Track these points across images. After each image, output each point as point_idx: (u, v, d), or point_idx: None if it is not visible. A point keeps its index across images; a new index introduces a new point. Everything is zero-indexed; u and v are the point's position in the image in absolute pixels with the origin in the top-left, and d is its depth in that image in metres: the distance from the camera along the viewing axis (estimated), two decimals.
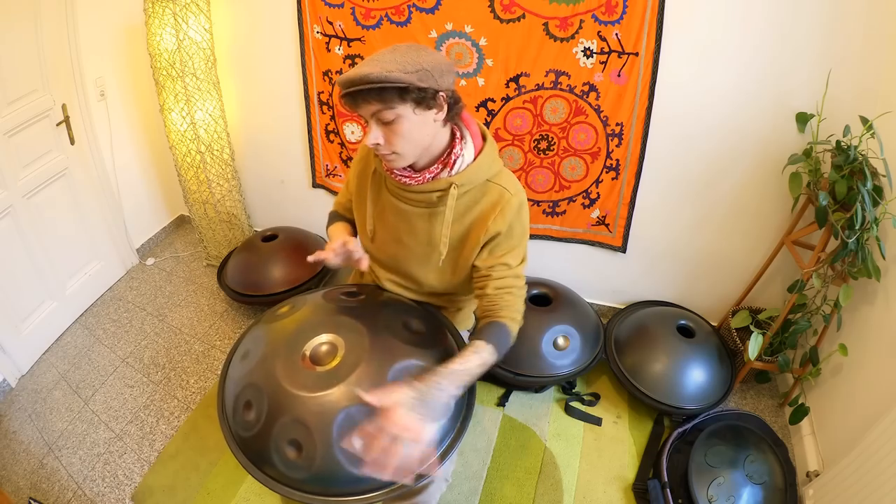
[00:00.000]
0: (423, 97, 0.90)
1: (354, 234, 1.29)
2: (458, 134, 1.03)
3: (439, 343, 1.09)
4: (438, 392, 0.86)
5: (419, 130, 0.95)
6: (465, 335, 1.36)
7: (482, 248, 1.06)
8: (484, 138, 1.06)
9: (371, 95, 0.88)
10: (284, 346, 1.01)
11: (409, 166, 1.04)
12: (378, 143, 0.95)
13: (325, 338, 1.02)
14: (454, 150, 1.01)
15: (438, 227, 1.06)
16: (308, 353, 0.99)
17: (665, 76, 1.73)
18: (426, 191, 1.03)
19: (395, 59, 0.88)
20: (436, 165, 1.02)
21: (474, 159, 1.03)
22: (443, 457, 0.94)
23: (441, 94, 0.93)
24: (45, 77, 2.03)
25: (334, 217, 1.33)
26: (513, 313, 1.04)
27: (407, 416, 0.80)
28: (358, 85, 0.87)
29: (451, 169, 1.01)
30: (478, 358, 0.95)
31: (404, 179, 1.03)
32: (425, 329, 1.11)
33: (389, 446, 0.79)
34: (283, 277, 2.25)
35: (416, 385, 0.85)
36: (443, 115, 0.96)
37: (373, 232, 1.18)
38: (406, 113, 0.91)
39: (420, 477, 0.85)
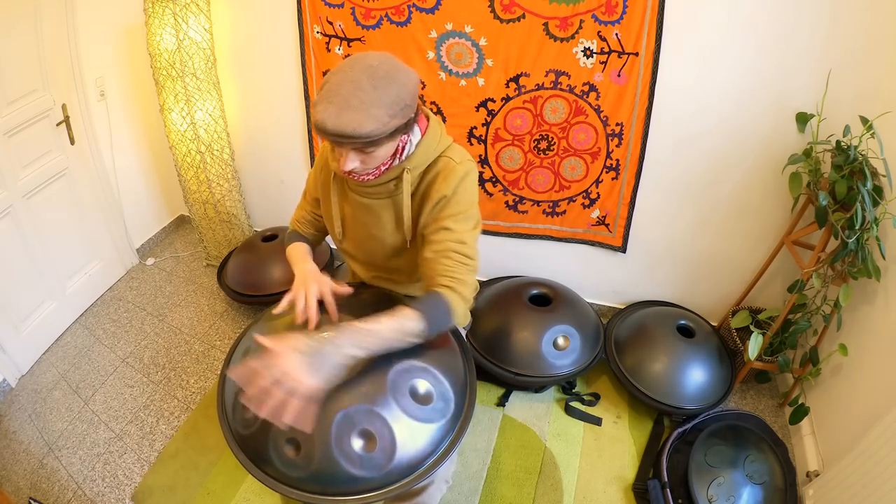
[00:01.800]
0: (404, 129, 0.95)
1: (313, 253, 1.31)
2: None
3: (439, 343, 1.09)
4: (332, 347, 0.85)
5: (391, 149, 0.99)
6: (462, 333, 1.36)
7: (428, 214, 1.06)
8: (427, 118, 1.08)
9: (359, 143, 0.90)
10: None
11: None
12: (354, 169, 0.98)
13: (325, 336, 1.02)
14: (400, 140, 1.03)
15: (400, 210, 1.10)
16: None
17: (665, 76, 1.73)
18: (383, 182, 1.06)
19: (381, 99, 0.87)
20: (386, 159, 1.04)
21: (420, 141, 1.05)
22: (443, 457, 0.94)
23: (413, 116, 0.96)
24: (44, 77, 2.03)
25: (293, 237, 1.32)
26: (451, 281, 0.98)
27: (292, 363, 0.81)
28: (349, 139, 0.88)
29: (401, 156, 1.03)
30: (394, 323, 0.91)
31: (363, 178, 1.04)
32: None
33: (269, 387, 0.80)
34: (283, 277, 2.25)
35: (313, 335, 0.85)
36: (408, 131, 0.99)
37: (342, 234, 1.21)
38: (386, 144, 0.95)
39: (293, 431, 0.84)
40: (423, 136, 1.05)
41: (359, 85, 0.87)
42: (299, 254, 1.24)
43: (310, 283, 1.08)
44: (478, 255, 1.05)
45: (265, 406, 0.80)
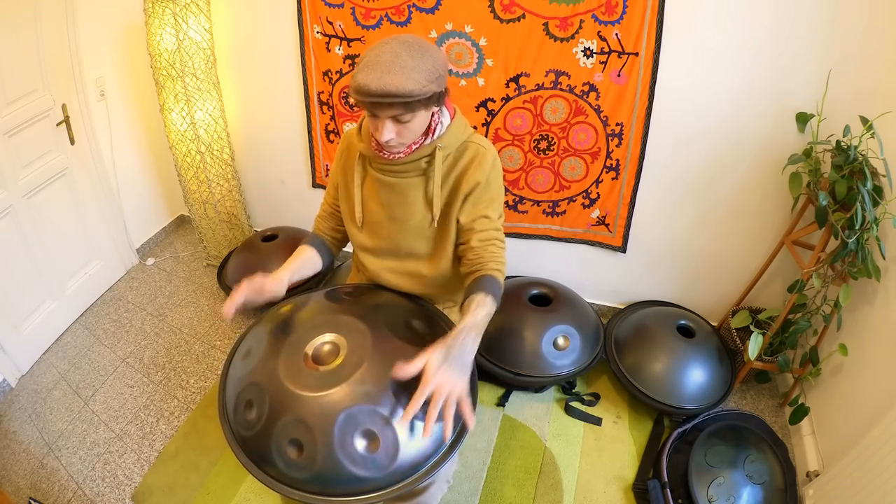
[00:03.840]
0: (438, 99, 1.00)
1: (329, 256, 1.33)
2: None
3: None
4: (461, 347, 0.93)
5: (425, 121, 1.04)
6: None
7: (464, 201, 1.12)
8: (453, 108, 1.13)
9: (397, 105, 0.93)
10: (286, 345, 1.01)
11: None
12: (391, 139, 1.01)
13: (327, 337, 1.02)
14: (433, 119, 1.08)
15: (430, 188, 1.12)
16: (310, 352, 0.99)
17: (665, 76, 1.73)
18: (414, 159, 1.09)
19: (419, 65, 0.93)
20: (419, 136, 1.07)
21: (451, 123, 1.10)
22: (445, 456, 0.94)
23: (447, 87, 1.01)
24: (44, 77, 2.03)
25: (306, 240, 1.32)
26: (498, 265, 1.10)
27: (445, 375, 0.88)
28: (392, 98, 0.91)
29: (433, 135, 1.09)
30: (483, 310, 1.01)
31: (395, 155, 1.08)
32: (427, 329, 1.11)
33: (443, 405, 0.87)
34: None
35: (439, 348, 0.91)
36: (441, 103, 1.04)
37: (362, 219, 1.21)
38: (420, 113, 0.99)
39: (463, 426, 0.96)
40: (452, 119, 1.11)
41: (397, 54, 0.92)
42: (289, 259, 1.26)
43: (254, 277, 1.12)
44: None
45: (448, 420, 0.90)
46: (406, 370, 0.88)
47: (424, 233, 1.17)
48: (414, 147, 1.08)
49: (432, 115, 1.07)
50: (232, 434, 0.99)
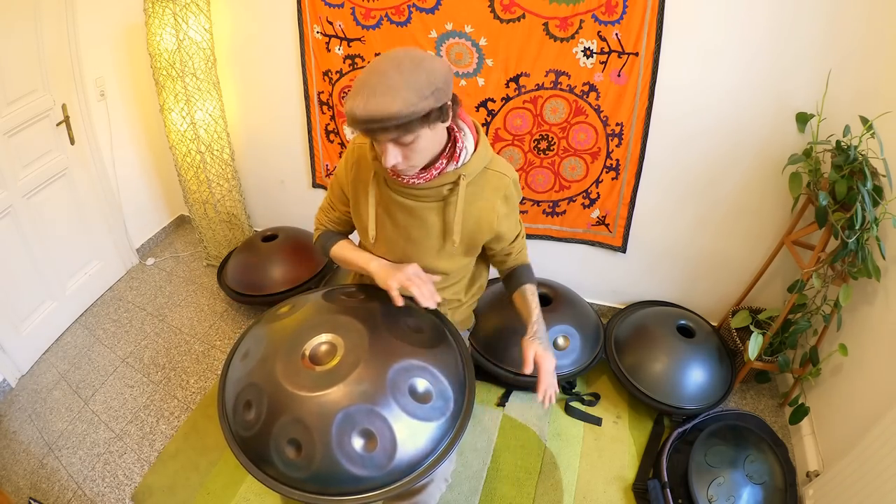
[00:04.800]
0: (439, 115, 0.91)
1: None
2: (454, 127, 1.03)
3: (439, 343, 1.09)
4: (544, 334, 1.16)
5: (433, 141, 0.97)
6: (465, 335, 1.36)
7: (496, 234, 1.15)
8: (476, 129, 1.08)
9: (390, 128, 0.87)
10: (284, 345, 1.01)
11: None
12: (397, 163, 0.95)
13: (324, 338, 1.02)
14: (458, 144, 1.02)
15: (451, 217, 1.09)
16: (308, 352, 0.99)
17: (665, 76, 1.73)
18: (436, 186, 1.05)
19: (409, 82, 0.85)
20: (440, 161, 1.02)
21: (475, 149, 1.05)
22: (443, 455, 0.94)
23: (449, 103, 0.93)
24: (44, 77, 2.03)
25: (333, 237, 1.28)
26: (526, 256, 1.29)
27: (548, 358, 1.13)
28: (380, 122, 0.85)
29: (458, 161, 1.03)
30: (536, 298, 1.23)
31: (413, 181, 1.03)
32: (425, 329, 1.11)
33: (552, 379, 1.13)
34: (283, 277, 2.25)
35: (535, 340, 1.13)
36: (449, 119, 0.97)
37: (375, 237, 1.17)
38: (423, 132, 0.92)
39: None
40: (476, 145, 1.06)
41: (385, 73, 0.86)
42: (356, 250, 1.22)
43: (404, 268, 1.11)
44: None
45: (550, 390, 1.14)
46: (527, 368, 1.11)
47: (442, 252, 1.15)
48: (435, 173, 1.02)
49: (450, 133, 1.01)
50: (231, 434, 0.99)
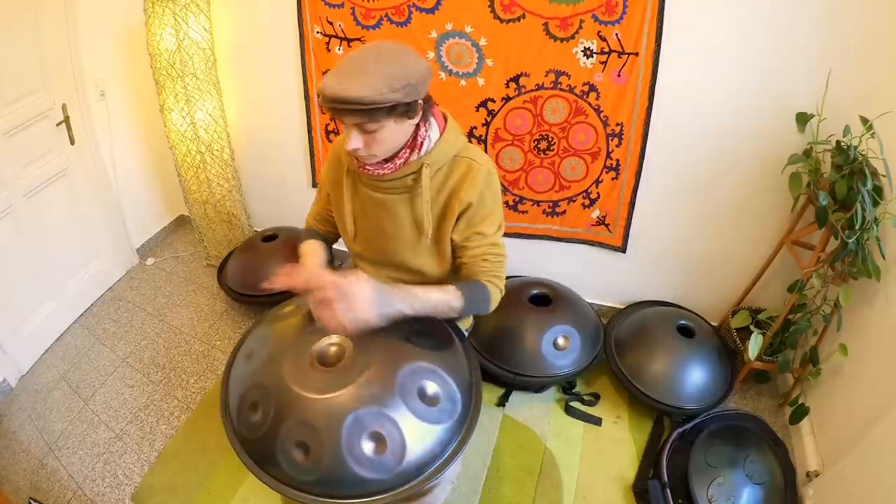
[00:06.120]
0: (406, 110, 0.94)
1: (328, 252, 1.28)
2: (422, 124, 1.05)
3: (445, 344, 1.09)
4: (389, 298, 0.95)
5: (397, 134, 0.99)
6: (465, 335, 1.36)
7: (458, 220, 1.09)
8: (445, 118, 1.10)
9: (356, 112, 0.90)
10: (291, 346, 1.01)
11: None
12: (357, 148, 0.98)
13: (333, 339, 1.01)
14: (419, 133, 1.03)
15: (419, 207, 1.09)
16: (316, 354, 0.99)
17: (665, 76, 1.73)
18: (400, 176, 1.06)
19: (383, 72, 0.88)
20: (404, 151, 1.04)
21: (440, 137, 1.06)
22: (452, 457, 0.94)
23: (420, 102, 0.96)
24: (44, 77, 2.03)
25: (307, 234, 1.31)
26: (492, 278, 1.10)
27: (363, 292, 0.91)
28: (347, 104, 0.88)
29: (420, 151, 1.04)
30: (441, 294, 1.02)
31: (378, 171, 1.05)
32: (431, 330, 1.10)
33: (333, 301, 0.90)
34: None
35: (377, 284, 0.94)
36: (418, 117, 1.00)
37: (353, 232, 1.19)
38: (388, 124, 0.94)
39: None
40: (441, 133, 1.06)
41: (363, 59, 0.90)
42: (310, 250, 1.23)
43: (321, 287, 1.02)
44: (504, 246, 1.15)
45: (324, 313, 0.91)
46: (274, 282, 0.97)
47: (418, 247, 1.15)
48: (399, 163, 1.04)
49: (417, 128, 1.02)
50: (235, 436, 0.99)
